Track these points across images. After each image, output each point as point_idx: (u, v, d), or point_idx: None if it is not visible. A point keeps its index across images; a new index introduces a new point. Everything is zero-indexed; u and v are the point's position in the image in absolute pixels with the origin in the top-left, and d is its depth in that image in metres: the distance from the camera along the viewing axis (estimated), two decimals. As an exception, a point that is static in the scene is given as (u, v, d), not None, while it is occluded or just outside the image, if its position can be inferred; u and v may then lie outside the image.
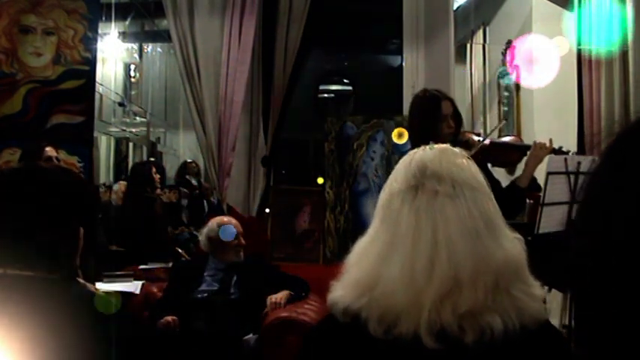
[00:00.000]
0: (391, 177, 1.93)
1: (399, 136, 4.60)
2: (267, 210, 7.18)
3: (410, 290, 1.72)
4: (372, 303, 1.75)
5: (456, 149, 1.95)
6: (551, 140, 4.73)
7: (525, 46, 7.09)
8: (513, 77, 8.58)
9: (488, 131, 9.87)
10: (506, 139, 4.93)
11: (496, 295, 1.71)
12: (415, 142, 4.65)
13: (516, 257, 1.78)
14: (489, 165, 5.16)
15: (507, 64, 9.08)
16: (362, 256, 1.86)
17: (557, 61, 7.91)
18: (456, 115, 4.80)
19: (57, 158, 5.78)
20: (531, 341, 1.71)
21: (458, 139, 4.74)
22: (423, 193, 1.81)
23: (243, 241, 5.79)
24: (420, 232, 1.76)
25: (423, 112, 4.74)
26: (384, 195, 1.91)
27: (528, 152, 5.03)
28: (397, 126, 6.93)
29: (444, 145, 1.97)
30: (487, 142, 4.64)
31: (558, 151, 4.86)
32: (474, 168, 1.89)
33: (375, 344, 1.73)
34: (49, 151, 5.74)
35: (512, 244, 1.80)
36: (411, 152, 1.96)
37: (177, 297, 5.53)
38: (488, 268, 1.72)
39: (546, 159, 4.94)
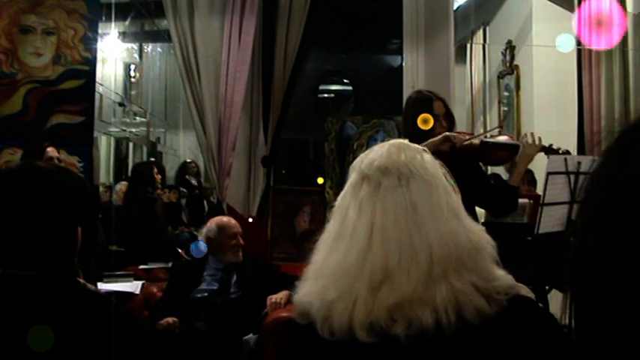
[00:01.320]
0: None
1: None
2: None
3: (342, 283, 1.72)
4: (315, 298, 1.76)
5: (412, 145, 1.93)
6: (540, 138, 4.73)
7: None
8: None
9: (488, 131, 9.89)
10: (499, 138, 4.93)
11: (431, 286, 1.67)
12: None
13: (462, 247, 1.72)
14: (483, 164, 5.17)
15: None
16: (317, 250, 1.87)
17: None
18: (449, 116, 4.80)
19: (58, 159, 5.78)
20: (470, 337, 1.65)
21: None
22: (368, 186, 1.81)
23: (241, 241, 5.79)
24: (359, 225, 1.77)
25: (415, 112, 4.75)
26: (340, 194, 1.91)
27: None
28: (397, 126, 6.93)
29: (399, 141, 1.95)
30: (477, 141, 4.63)
31: (549, 149, 4.86)
32: (427, 161, 1.86)
33: (324, 344, 1.74)
34: (51, 151, 5.73)
35: (464, 234, 1.75)
36: (368, 149, 1.95)
37: (178, 297, 5.53)
38: (421, 257, 1.69)
39: (546, 159, 4.94)
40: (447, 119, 4.77)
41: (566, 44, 7.27)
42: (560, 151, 4.94)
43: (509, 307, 1.70)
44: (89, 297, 2.08)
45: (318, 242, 1.89)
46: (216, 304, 5.45)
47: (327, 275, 1.76)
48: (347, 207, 1.82)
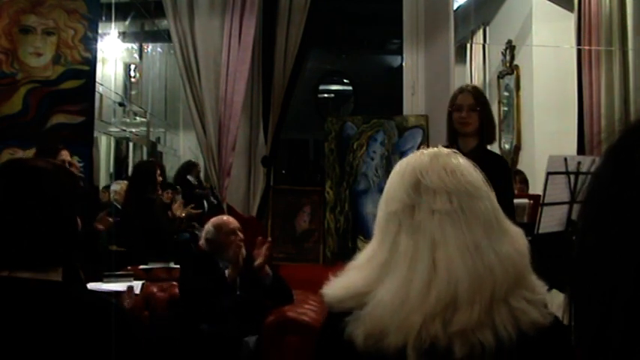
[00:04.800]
0: (386, 190, 1.93)
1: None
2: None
3: (401, 312, 1.72)
4: (360, 320, 1.76)
5: (448, 151, 1.93)
6: None
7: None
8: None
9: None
10: None
11: (492, 309, 1.71)
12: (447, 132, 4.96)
13: (516, 263, 1.77)
14: None
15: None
16: (361, 268, 1.87)
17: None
18: (479, 106, 4.85)
19: (70, 163, 5.74)
20: (528, 348, 1.71)
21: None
22: (420, 213, 1.80)
23: (241, 236, 5.76)
24: (418, 254, 1.77)
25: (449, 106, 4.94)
26: (381, 212, 1.90)
27: None
28: (397, 126, 6.94)
29: (436, 149, 1.95)
30: None
31: None
32: (468, 169, 1.87)
33: (359, 358, 1.74)
34: (64, 154, 5.70)
35: (513, 247, 1.79)
36: (403, 161, 1.95)
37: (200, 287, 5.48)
38: (486, 284, 1.71)
39: (547, 159, 4.96)
40: (472, 110, 4.81)
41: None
42: None
43: (555, 319, 1.79)
44: (90, 299, 2.08)
45: (357, 260, 1.91)
46: (222, 304, 5.43)
47: (380, 304, 1.76)
48: (396, 234, 1.82)
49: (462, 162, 1.89)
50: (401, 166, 1.93)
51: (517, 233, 1.85)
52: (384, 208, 1.89)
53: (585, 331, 0.71)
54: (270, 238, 5.85)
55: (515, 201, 5.14)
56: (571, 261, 0.77)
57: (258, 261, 5.54)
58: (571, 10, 7.72)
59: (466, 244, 1.75)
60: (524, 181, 7.66)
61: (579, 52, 7.34)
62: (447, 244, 1.75)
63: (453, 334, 1.68)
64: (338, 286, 1.87)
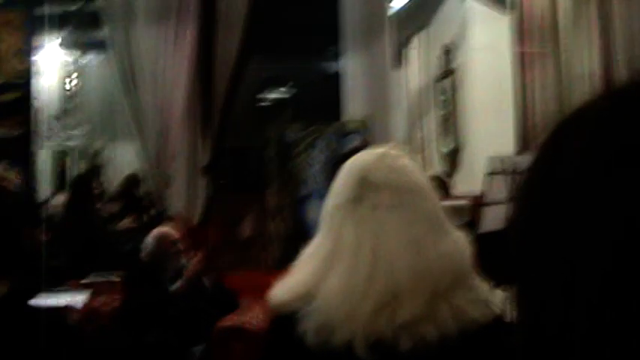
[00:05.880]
0: (333, 187, 1.97)
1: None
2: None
3: (347, 304, 1.76)
4: (309, 314, 1.79)
5: (395, 152, 1.97)
6: None
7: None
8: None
9: (425, 134, 9.98)
10: None
11: (434, 305, 1.75)
12: None
13: (456, 262, 1.82)
14: None
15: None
16: (305, 264, 1.91)
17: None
18: None
19: (1, 178, 5.64)
20: (469, 344, 1.76)
21: None
22: (363, 207, 1.84)
23: (181, 247, 5.73)
24: (360, 247, 1.81)
25: None
26: (326, 207, 1.95)
27: None
28: (336, 132, 6.97)
29: (384, 149, 1.99)
30: None
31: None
32: (413, 170, 1.92)
33: (311, 354, 1.78)
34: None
35: (454, 247, 1.85)
36: (352, 159, 1.99)
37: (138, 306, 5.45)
38: (427, 279, 1.76)
39: (485, 160, 5.04)
40: None
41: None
42: None
43: (497, 317, 1.84)
44: (35, 312, 2.08)
45: (303, 256, 1.94)
46: (168, 315, 5.40)
47: (327, 295, 1.79)
48: (340, 226, 1.86)
49: (408, 163, 1.94)
50: (349, 164, 1.97)
51: (459, 237, 1.90)
52: (330, 202, 1.94)
53: (522, 322, 0.74)
54: (201, 253, 5.80)
55: (456, 202, 5.21)
56: (510, 256, 0.80)
57: (187, 275, 5.53)
58: (506, 13, 7.83)
59: (407, 239, 1.79)
60: (443, 186, 7.61)
61: (515, 54, 7.44)
62: (387, 237, 1.80)
63: (397, 327, 1.73)
64: (284, 289, 1.90)
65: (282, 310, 1.87)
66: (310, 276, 1.86)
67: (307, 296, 1.82)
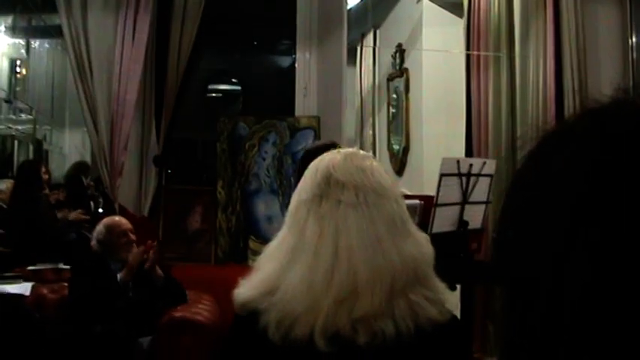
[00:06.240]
0: (300, 183, 2.01)
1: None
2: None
3: (308, 297, 1.80)
4: (271, 307, 1.82)
5: (363, 153, 2.04)
6: None
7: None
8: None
9: (376, 133, 10.03)
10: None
11: (392, 301, 1.79)
12: None
13: (417, 262, 1.86)
14: None
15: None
16: (269, 258, 1.94)
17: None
18: None
19: None
20: (425, 342, 1.80)
21: None
22: (327, 203, 1.88)
23: (133, 237, 5.71)
24: (323, 241, 1.84)
25: None
26: (292, 202, 1.98)
27: None
28: (289, 127, 6.98)
29: (352, 150, 2.05)
30: None
31: None
32: (379, 171, 1.96)
33: (273, 348, 1.80)
34: None
35: (416, 248, 1.88)
36: (319, 158, 2.03)
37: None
38: (385, 275, 1.79)
39: (435, 160, 5.08)
40: None
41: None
42: None
43: (453, 317, 1.92)
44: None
45: (267, 249, 1.98)
46: (115, 306, 5.36)
47: (289, 288, 1.83)
48: (304, 220, 1.89)
49: (374, 164, 1.98)
50: (316, 162, 2.01)
51: (422, 238, 1.95)
52: (296, 197, 1.98)
53: (509, 321, 0.76)
54: (156, 241, 5.78)
55: (407, 202, 5.23)
56: (494, 257, 0.82)
57: (147, 264, 5.51)
58: (460, 15, 7.89)
59: (368, 236, 1.83)
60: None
61: (468, 57, 7.50)
62: (349, 233, 1.83)
63: (355, 321, 1.76)
64: (248, 286, 1.92)
65: (246, 307, 1.89)
66: (273, 271, 1.89)
67: (270, 292, 1.85)
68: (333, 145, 4.72)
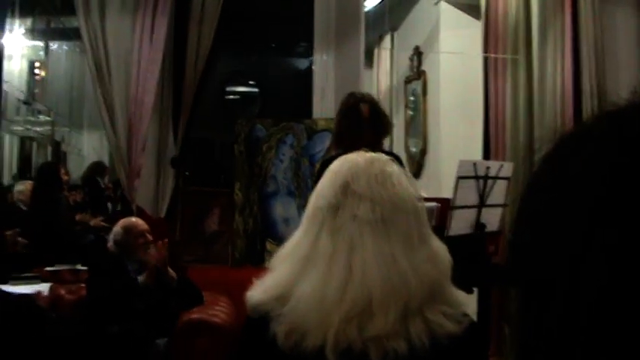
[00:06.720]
0: (319, 184, 1.96)
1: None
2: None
3: (319, 310, 1.77)
4: (281, 317, 1.80)
5: (384, 159, 1.95)
6: None
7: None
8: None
9: (394, 135, 10.02)
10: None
11: (407, 320, 1.76)
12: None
13: (433, 279, 1.81)
14: None
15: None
16: (283, 260, 1.92)
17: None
18: (373, 118, 4.82)
19: None
20: (441, 355, 1.76)
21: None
22: (342, 215, 1.84)
23: (150, 238, 5.70)
24: (336, 255, 1.81)
25: (343, 117, 4.82)
26: (310, 204, 1.95)
27: None
28: (307, 129, 6.98)
29: (374, 155, 1.97)
30: None
31: None
32: (399, 180, 1.89)
33: (282, 356, 1.78)
34: None
35: (433, 264, 1.83)
36: (341, 159, 1.98)
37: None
38: (400, 295, 1.76)
39: (452, 163, 5.06)
40: (371, 122, 4.80)
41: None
42: None
43: (471, 326, 1.84)
44: (9, 297, 2.07)
45: (283, 250, 1.95)
46: (133, 307, 5.36)
47: (300, 299, 1.80)
48: (318, 231, 1.86)
49: (396, 171, 1.92)
50: (336, 165, 1.96)
51: (440, 249, 1.89)
52: (313, 201, 1.94)
53: (525, 323, 0.76)
54: (166, 240, 5.74)
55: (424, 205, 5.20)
56: (509, 260, 0.82)
57: (150, 267, 5.49)
58: (478, 18, 7.87)
59: (383, 253, 1.79)
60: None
61: (485, 59, 7.48)
62: (364, 250, 1.79)
63: (367, 339, 1.73)
64: (261, 288, 1.91)
65: (257, 309, 1.87)
66: (285, 277, 1.87)
67: (281, 298, 1.83)
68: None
